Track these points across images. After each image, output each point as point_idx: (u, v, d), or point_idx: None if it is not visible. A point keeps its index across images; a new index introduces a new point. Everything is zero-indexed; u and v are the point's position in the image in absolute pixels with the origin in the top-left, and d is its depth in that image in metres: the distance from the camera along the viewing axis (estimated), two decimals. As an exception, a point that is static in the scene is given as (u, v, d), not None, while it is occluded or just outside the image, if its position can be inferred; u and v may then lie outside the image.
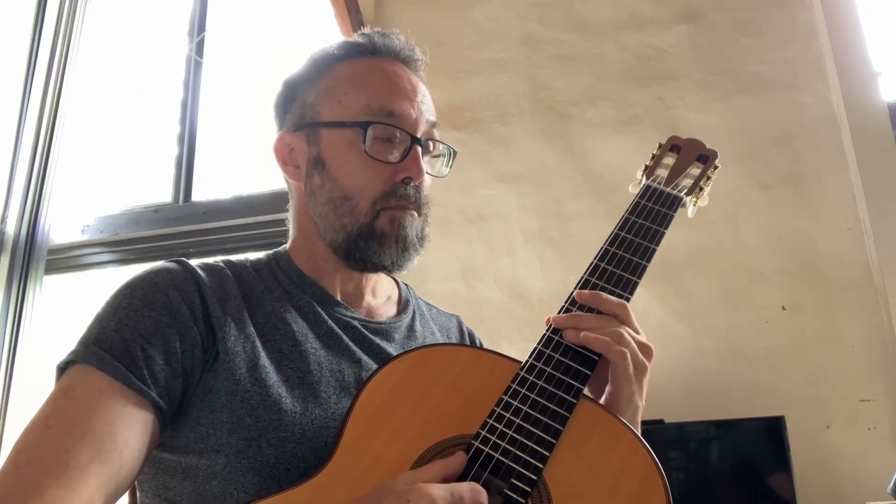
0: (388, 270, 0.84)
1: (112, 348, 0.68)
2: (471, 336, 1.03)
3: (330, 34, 2.53)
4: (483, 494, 0.59)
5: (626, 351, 0.71)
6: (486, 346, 1.01)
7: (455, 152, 0.90)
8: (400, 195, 0.80)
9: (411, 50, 0.88)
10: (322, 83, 0.85)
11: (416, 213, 0.83)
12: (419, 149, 0.82)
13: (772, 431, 1.77)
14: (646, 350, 0.74)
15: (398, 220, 0.81)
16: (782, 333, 1.95)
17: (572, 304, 0.77)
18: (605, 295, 0.75)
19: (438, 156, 0.89)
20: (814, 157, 2.07)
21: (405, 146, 0.81)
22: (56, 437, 0.63)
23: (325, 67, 0.86)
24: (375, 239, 0.80)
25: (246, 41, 3.05)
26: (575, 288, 0.78)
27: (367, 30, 0.88)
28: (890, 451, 1.80)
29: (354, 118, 0.81)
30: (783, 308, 1.97)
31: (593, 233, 2.13)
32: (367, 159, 0.80)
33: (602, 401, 0.75)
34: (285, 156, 0.87)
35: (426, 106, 0.85)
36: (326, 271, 0.86)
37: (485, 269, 2.23)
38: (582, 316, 0.74)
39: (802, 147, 2.09)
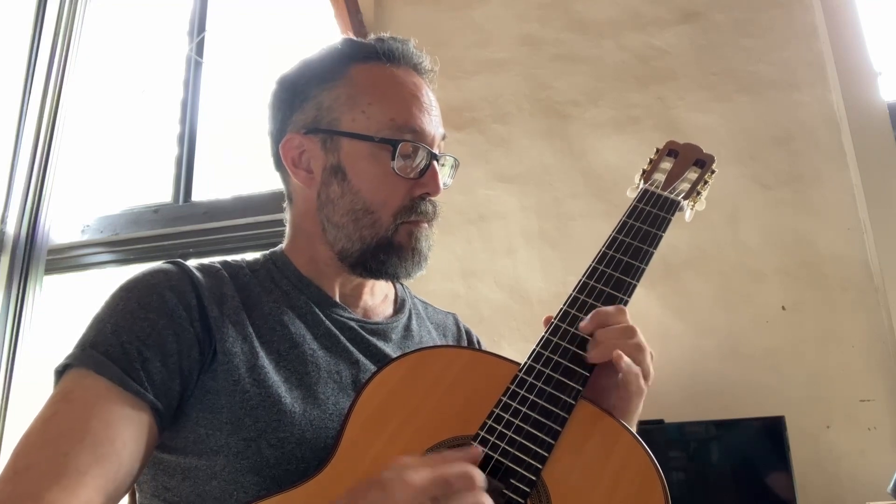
0: (398, 280, 0.85)
1: (109, 351, 0.69)
2: (468, 333, 1.03)
3: (330, 34, 2.53)
4: (477, 477, 0.58)
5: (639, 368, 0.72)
6: (485, 346, 1.02)
7: (458, 163, 0.92)
8: (420, 210, 0.82)
9: (424, 59, 0.88)
10: (340, 87, 0.84)
11: (429, 226, 0.85)
12: (436, 164, 0.84)
13: (772, 431, 1.77)
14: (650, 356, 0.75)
15: (415, 234, 0.83)
16: (782, 333, 1.95)
17: (570, 307, 0.77)
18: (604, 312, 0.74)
19: (443, 165, 0.90)
20: (814, 157, 2.07)
21: (424, 162, 0.83)
22: (55, 440, 0.63)
23: (339, 68, 0.85)
24: (394, 252, 0.82)
25: (246, 41, 3.05)
26: (573, 292, 0.78)
27: (384, 34, 0.88)
28: (890, 451, 1.80)
29: (379, 132, 0.81)
30: (783, 308, 1.97)
31: (593, 233, 2.13)
32: (391, 174, 0.81)
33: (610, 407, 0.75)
34: (295, 158, 0.85)
35: (438, 119, 0.87)
36: (327, 274, 0.86)
37: (485, 269, 2.24)
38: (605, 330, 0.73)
39: (802, 147, 2.09)
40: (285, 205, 0.91)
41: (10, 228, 2.42)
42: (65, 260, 2.76)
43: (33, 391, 2.27)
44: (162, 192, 2.79)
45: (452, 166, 0.91)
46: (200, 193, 2.78)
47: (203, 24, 3.04)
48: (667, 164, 0.92)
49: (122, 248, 2.74)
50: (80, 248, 2.76)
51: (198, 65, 2.95)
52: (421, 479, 0.56)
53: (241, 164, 2.87)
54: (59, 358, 0.71)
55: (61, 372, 0.70)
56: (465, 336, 1.02)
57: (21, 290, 2.37)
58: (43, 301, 2.44)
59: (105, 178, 2.97)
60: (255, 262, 0.87)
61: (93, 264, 2.78)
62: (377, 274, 0.84)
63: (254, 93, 2.92)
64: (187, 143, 2.84)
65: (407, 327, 0.92)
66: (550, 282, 2.16)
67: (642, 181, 0.91)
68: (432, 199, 0.84)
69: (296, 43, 2.90)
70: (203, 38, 3.00)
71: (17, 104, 2.54)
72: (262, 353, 0.76)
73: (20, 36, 2.61)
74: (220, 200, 2.68)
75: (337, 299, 0.86)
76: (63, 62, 2.62)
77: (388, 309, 0.93)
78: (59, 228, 2.65)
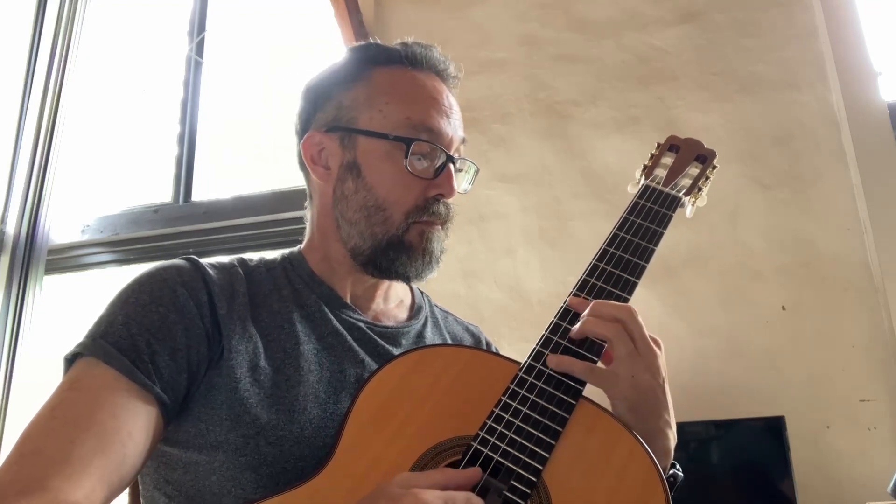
0: (408, 280, 0.85)
1: (118, 342, 0.69)
2: (488, 347, 1.02)
3: (330, 34, 2.53)
4: None
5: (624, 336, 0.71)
6: (485, 346, 1.01)
7: (478, 169, 0.92)
8: (432, 211, 0.83)
9: (448, 65, 0.89)
10: (360, 87, 0.85)
11: (441, 228, 0.85)
12: (452, 167, 0.84)
13: (772, 431, 1.77)
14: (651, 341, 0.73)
15: (427, 235, 0.83)
16: (782, 333, 1.94)
17: (566, 313, 0.76)
18: (601, 303, 0.74)
19: (461, 170, 0.90)
20: (814, 157, 2.07)
21: (439, 163, 0.83)
22: (61, 428, 0.64)
23: (361, 70, 0.86)
24: (404, 250, 0.82)
25: (246, 41, 3.05)
26: (573, 289, 0.77)
27: (407, 39, 0.89)
28: (890, 451, 1.80)
29: (394, 130, 0.82)
30: (783, 308, 1.97)
31: (593, 233, 2.13)
32: (405, 173, 0.81)
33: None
34: (314, 155, 0.86)
35: (459, 123, 0.87)
36: (339, 273, 0.86)
37: (485, 269, 2.23)
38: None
39: (802, 147, 2.08)
40: (307, 203, 0.92)
41: (10, 228, 2.42)
42: (65, 260, 2.76)
43: (33, 391, 2.27)
44: (162, 192, 2.79)
45: (474, 173, 0.92)
46: (200, 193, 2.78)
47: (203, 24, 3.03)
48: (668, 160, 0.91)
49: (122, 248, 2.73)
50: (80, 248, 2.75)
51: (198, 65, 2.95)
52: (434, 500, 0.56)
53: (241, 164, 2.87)
54: (60, 357, 0.71)
55: (71, 360, 0.70)
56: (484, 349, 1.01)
57: (21, 290, 2.37)
58: (43, 301, 2.44)
59: (105, 178, 2.97)
60: (273, 261, 0.88)
61: (93, 264, 2.78)
62: (387, 273, 0.84)
63: (254, 93, 2.92)
64: (187, 143, 2.84)
65: (420, 334, 0.91)
66: (550, 282, 2.16)
67: (643, 177, 0.90)
68: (446, 201, 0.84)
69: (296, 43, 2.90)
70: (203, 38, 3.00)
71: (17, 104, 2.54)
72: (266, 352, 0.76)
73: (20, 36, 2.61)
74: (220, 200, 2.68)
75: (348, 300, 0.86)
76: (63, 62, 2.62)
77: (403, 314, 0.93)
78: (59, 228, 2.65)
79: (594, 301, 0.74)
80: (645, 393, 0.71)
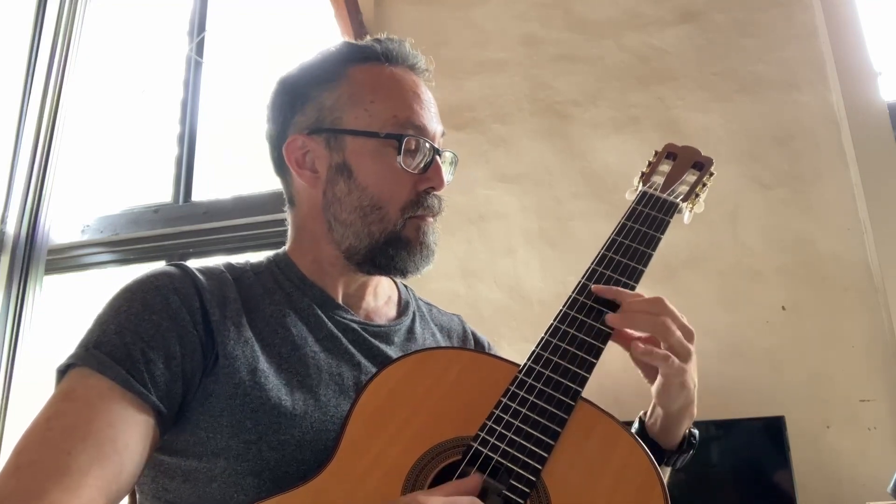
0: (406, 275, 0.85)
1: (112, 352, 0.68)
2: (473, 335, 1.02)
3: (330, 34, 2.53)
4: None
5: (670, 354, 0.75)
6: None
7: (457, 159, 0.93)
8: (426, 205, 0.83)
9: (421, 59, 0.89)
10: (341, 87, 0.84)
11: (434, 221, 0.86)
12: (439, 160, 0.85)
13: (772, 431, 1.78)
14: (688, 334, 0.78)
15: (422, 228, 0.84)
16: (782, 333, 1.95)
17: (570, 308, 0.76)
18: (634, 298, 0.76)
19: (443, 162, 0.90)
20: (814, 157, 2.07)
21: (427, 157, 0.83)
22: (57, 439, 0.63)
23: (339, 69, 0.86)
24: (403, 246, 0.82)
25: (246, 41, 3.05)
26: (572, 293, 0.78)
27: (380, 35, 0.89)
28: (890, 451, 1.80)
29: (382, 128, 0.82)
30: (783, 308, 1.97)
31: (593, 233, 2.13)
32: (396, 169, 0.81)
33: (654, 389, 0.78)
34: (299, 158, 0.85)
35: (437, 116, 0.88)
36: (331, 274, 0.86)
37: (485, 269, 2.24)
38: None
39: (802, 147, 2.09)
40: (286, 208, 0.91)
41: (10, 228, 2.42)
42: (65, 260, 2.76)
43: (33, 391, 2.27)
44: (162, 192, 2.79)
45: (452, 163, 0.92)
46: (200, 193, 2.78)
47: (203, 24, 3.04)
48: (665, 167, 0.92)
49: (122, 248, 2.74)
50: (80, 248, 2.76)
51: (198, 65, 2.95)
52: None
53: (241, 164, 2.87)
54: (60, 358, 0.71)
55: (63, 371, 0.70)
56: (470, 338, 1.01)
57: (21, 290, 2.37)
58: (43, 301, 2.44)
59: (105, 178, 2.97)
60: (259, 264, 0.87)
61: (93, 264, 2.79)
62: (386, 269, 0.84)
63: (254, 93, 2.93)
64: (187, 143, 2.84)
65: (410, 330, 0.91)
66: (550, 282, 2.16)
67: (641, 183, 0.91)
68: (437, 193, 0.85)
69: (296, 43, 2.90)
70: (203, 38, 3.00)
71: (17, 104, 2.54)
72: (263, 356, 0.76)
73: (20, 36, 2.61)
74: (220, 200, 2.69)
75: (340, 301, 0.86)
76: (63, 62, 2.62)
77: (392, 311, 0.93)
78: (59, 228, 2.65)
79: (627, 294, 0.76)
80: (689, 389, 0.77)
